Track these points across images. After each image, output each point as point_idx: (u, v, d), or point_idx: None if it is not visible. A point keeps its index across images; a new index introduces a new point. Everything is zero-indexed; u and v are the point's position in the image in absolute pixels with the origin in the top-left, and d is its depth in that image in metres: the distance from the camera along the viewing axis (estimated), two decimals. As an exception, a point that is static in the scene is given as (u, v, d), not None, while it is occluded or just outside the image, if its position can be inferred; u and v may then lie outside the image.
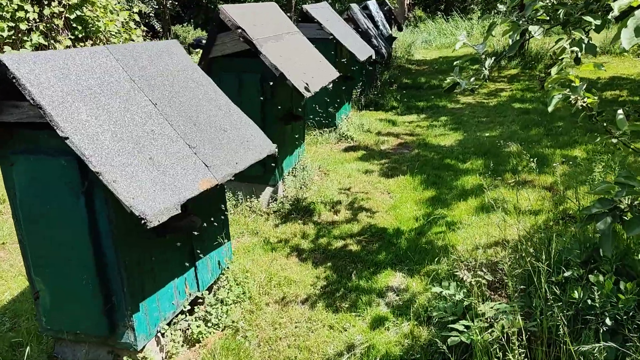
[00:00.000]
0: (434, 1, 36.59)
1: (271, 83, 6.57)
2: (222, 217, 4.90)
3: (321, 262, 5.83)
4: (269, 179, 7.07)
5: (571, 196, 6.77)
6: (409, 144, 10.24)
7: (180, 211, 3.50)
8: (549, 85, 3.67)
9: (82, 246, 3.65)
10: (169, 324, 4.34)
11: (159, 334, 4.18)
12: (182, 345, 4.34)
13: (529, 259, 4.33)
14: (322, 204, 7.19)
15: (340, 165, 8.83)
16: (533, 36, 3.88)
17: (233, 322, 4.62)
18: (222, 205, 4.91)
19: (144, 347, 4.01)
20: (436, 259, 5.64)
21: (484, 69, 4.53)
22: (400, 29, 21.96)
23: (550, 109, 3.58)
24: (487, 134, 10.34)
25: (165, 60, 4.52)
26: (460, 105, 13.37)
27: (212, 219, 4.73)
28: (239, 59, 6.62)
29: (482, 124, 11.37)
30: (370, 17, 15.48)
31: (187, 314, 4.44)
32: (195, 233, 4.24)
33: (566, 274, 4.10)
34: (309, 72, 7.05)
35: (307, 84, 6.58)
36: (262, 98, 6.66)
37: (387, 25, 17.17)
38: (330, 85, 7.66)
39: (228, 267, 5.03)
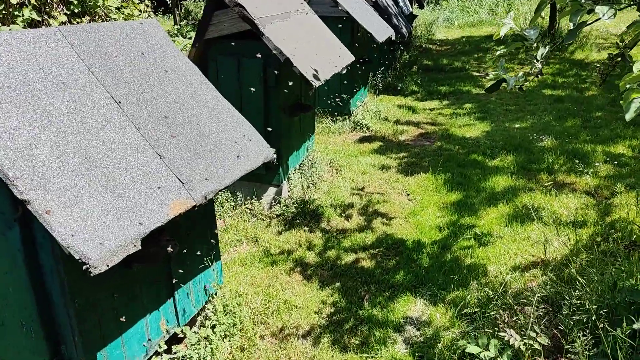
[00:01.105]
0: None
1: (276, 72, 5.68)
2: (210, 236, 4.09)
3: (328, 281, 5.01)
4: (272, 178, 6.23)
5: (621, 203, 5.85)
6: (431, 134, 9.31)
7: (139, 247, 2.68)
8: (626, 85, 2.78)
9: (18, 286, 2.86)
10: (139, 370, 3.58)
11: (125, 385, 3.41)
12: (156, 395, 3.58)
13: (585, 301, 3.46)
14: (331, 207, 6.35)
15: (354, 160, 7.95)
16: (600, 19, 2.99)
17: (219, 364, 3.84)
18: (210, 223, 4.09)
19: (104, 404, 3.25)
20: (464, 283, 4.79)
21: (535, 61, 3.62)
22: (421, 7, 20.76)
23: (628, 116, 2.73)
24: (517, 125, 9.37)
25: (138, 45, 3.66)
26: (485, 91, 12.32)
27: (196, 240, 3.92)
28: (238, 41, 5.74)
29: (510, 112, 10.38)
30: (391, -4, 14.39)
31: (164, 354, 3.66)
32: (173, 253, 3.44)
33: (636, 326, 3.24)
34: (320, 56, 6.14)
35: (316, 71, 5.69)
36: (265, 87, 5.78)
37: (407, 2, 16.05)
38: (344, 71, 6.74)
39: (216, 293, 4.23)
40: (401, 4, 14.87)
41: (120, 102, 3.19)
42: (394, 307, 4.58)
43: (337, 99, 8.95)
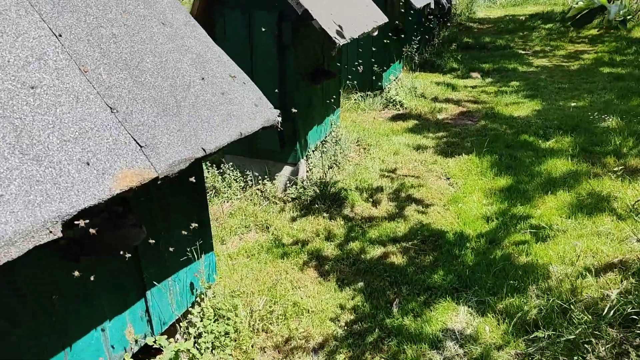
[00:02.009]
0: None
1: (292, 27, 4.75)
2: (198, 221, 3.22)
3: (349, 279, 4.10)
4: (288, 156, 5.33)
5: None
6: (473, 113, 8.24)
7: (59, 235, 1.81)
8: None
9: None
10: (95, 393, 2.75)
11: (71, 415, 2.58)
12: None
13: None
14: (357, 190, 5.41)
15: (384, 139, 6.97)
16: None
17: (202, 385, 2.98)
18: (198, 203, 3.22)
19: None
20: (520, 287, 3.81)
21: None
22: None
23: None
24: (573, 104, 8.20)
25: (100, -31, 2.78)
26: (533, 69, 11.12)
27: (176, 224, 3.06)
28: (249, -10, 4.83)
29: (564, 91, 9.19)
30: (429, -37, 13.21)
31: (130, 373, 2.82)
32: (129, 255, 2.57)
33: None
34: (346, 12, 5.18)
35: (340, 27, 4.73)
36: (279, 46, 4.86)
37: (448, -25, 14.82)
38: (375, 33, 5.76)
39: (206, 293, 3.36)
40: (441, -25, 13.67)
41: (60, 35, 2.31)
42: (430, 315, 3.63)
43: (359, 67, 7.95)
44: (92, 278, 2.37)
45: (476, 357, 3.25)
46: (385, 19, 5.97)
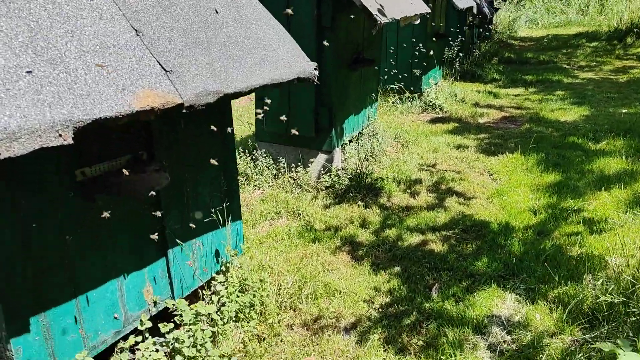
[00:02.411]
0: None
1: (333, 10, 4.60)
2: (226, 179, 3.03)
3: (385, 264, 3.82)
4: (322, 144, 5.13)
5: None
6: (516, 117, 7.90)
7: (70, 141, 1.63)
8: None
9: None
10: (108, 350, 2.54)
11: (81, 372, 2.38)
12: (130, 391, 2.52)
13: None
14: (394, 181, 5.15)
15: (424, 138, 6.71)
16: None
17: (223, 356, 2.73)
18: (226, 157, 3.03)
19: (43, 395, 2.22)
20: (574, 277, 3.46)
21: None
22: (504, -1, 19.17)
23: None
24: (624, 110, 7.78)
25: None
26: (579, 81, 10.70)
27: (202, 181, 2.87)
28: (288, -31, 4.71)
29: (613, 100, 8.76)
30: (471, -24, 13.04)
31: (146, 335, 2.60)
32: (153, 193, 2.38)
33: None
34: (388, -4, 5.01)
35: (382, 7, 4.55)
36: (318, 26, 4.70)
37: (489, -11, 14.61)
38: (417, 21, 5.56)
39: (231, 262, 3.14)
40: (483, -12, 13.48)
41: (88, -43, 2.18)
42: (473, 301, 3.32)
43: (405, 76, 7.73)
44: (106, 214, 2.18)
45: (526, 344, 2.91)
46: (427, 10, 5.77)
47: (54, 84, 1.68)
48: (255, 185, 5.11)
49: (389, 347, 2.93)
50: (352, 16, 4.87)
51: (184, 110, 2.08)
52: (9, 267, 1.98)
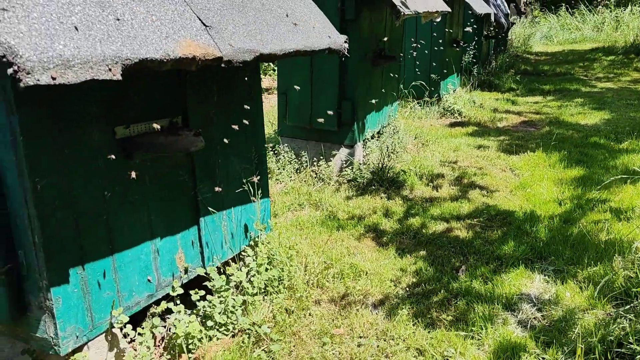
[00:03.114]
0: (554, 0, 32.97)
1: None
2: (255, 150, 3.06)
3: (410, 249, 3.81)
4: (344, 137, 5.16)
5: None
6: (536, 122, 7.88)
7: (118, 77, 1.68)
8: None
9: (-43, 148, 1.95)
10: (138, 316, 2.56)
11: (114, 331, 2.39)
12: (161, 356, 2.53)
13: None
14: (416, 175, 5.15)
15: (443, 139, 6.71)
16: None
17: (253, 324, 2.73)
18: (255, 132, 3.06)
19: (78, 350, 2.23)
20: (602, 258, 3.42)
21: None
22: (519, 13, 19.29)
23: None
24: (645, 114, 7.74)
25: None
26: (598, 90, 10.66)
27: (233, 152, 2.91)
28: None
29: (633, 106, 8.71)
30: (487, -11, 13.16)
31: (177, 301, 2.61)
32: (195, 149, 2.41)
33: None
34: (410, -8, 5.07)
35: (405, -1, 4.62)
36: (341, 19, 4.77)
37: (505, 4, 14.72)
38: (438, 19, 5.63)
39: (260, 237, 3.16)
40: (498, 1, 13.58)
41: None
42: (502, 280, 3.29)
43: (424, 82, 7.78)
44: (134, 174, 2.22)
45: (557, 319, 2.87)
46: (448, 8, 5.83)
47: (104, 24, 1.73)
48: (277, 179, 5.14)
49: (418, 321, 2.90)
50: (381, 10, 4.94)
51: (222, 65, 2.12)
52: (52, 216, 2.01)
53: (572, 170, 5.27)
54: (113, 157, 2.16)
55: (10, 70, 1.42)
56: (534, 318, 2.94)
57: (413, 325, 2.88)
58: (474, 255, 3.65)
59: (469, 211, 4.40)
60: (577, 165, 5.40)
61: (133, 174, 2.22)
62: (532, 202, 4.51)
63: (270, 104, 8.50)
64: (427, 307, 3.03)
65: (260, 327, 2.70)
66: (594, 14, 24.68)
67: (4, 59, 1.42)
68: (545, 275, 3.35)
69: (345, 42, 2.92)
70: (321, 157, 5.23)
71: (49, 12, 1.60)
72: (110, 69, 1.66)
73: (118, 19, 1.79)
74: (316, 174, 5.16)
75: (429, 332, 2.82)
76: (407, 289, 3.29)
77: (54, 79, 1.50)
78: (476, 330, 2.79)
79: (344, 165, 5.21)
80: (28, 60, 1.44)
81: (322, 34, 2.80)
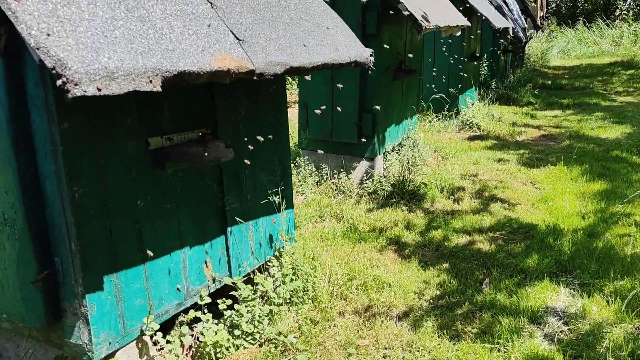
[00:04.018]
0: (571, 15, 32.91)
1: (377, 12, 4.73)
2: (279, 162, 3.11)
3: (433, 261, 3.81)
4: (365, 150, 5.19)
5: None
6: (555, 136, 7.85)
7: (158, 89, 1.73)
8: None
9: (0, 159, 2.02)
10: (167, 324, 2.60)
11: (145, 338, 2.43)
12: (189, 363, 2.56)
13: None
14: (437, 188, 5.16)
15: (463, 152, 6.72)
16: None
17: (280, 333, 2.76)
18: (280, 145, 3.11)
19: (110, 356, 2.27)
20: (629, 272, 3.39)
21: None
22: (536, 28, 19.27)
23: None
24: (667, 129, 7.67)
25: None
26: (618, 104, 10.59)
27: (259, 165, 2.96)
28: (334, -20, 4.89)
29: (655, 120, 8.64)
30: (505, 5, 13.19)
31: (205, 310, 2.65)
32: (225, 160, 2.45)
33: None
34: (430, 8, 5.13)
35: (425, 14, 4.67)
36: (363, 34, 4.83)
37: (522, 18, 14.74)
38: (458, 33, 5.67)
39: (284, 247, 3.19)
40: (516, 16, 13.60)
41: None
42: (527, 293, 3.27)
43: (442, 95, 7.80)
44: (168, 175, 2.27)
45: (585, 333, 2.85)
46: (468, 23, 5.87)
47: (144, 37, 1.79)
48: (298, 192, 5.18)
49: (443, 333, 2.90)
50: (401, 25, 4.99)
51: (254, 77, 2.17)
52: (88, 223, 2.06)
53: (595, 184, 5.23)
54: (145, 164, 2.21)
55: (59, 82, 1.48)
56: (561, 331, 2.92)
57: (438, 337, 2.88)
58: (497, 268, 3.64)
59: (491, 224, 4.39)
60: (600, 179, 5.36)
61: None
62: (554, 216, 4.49)
63: (289, 117, 8.56)
64: (452, 320, 3.03)
65: (286, 337, 2.72)
66: (611, 28, 24.57)
67: (54, 71, 1.48)
68: (570, 289, 3.33)
69: (371, 55, 2.97)
70: (341, 170, 5.27)
71: (94, 27, 1.66)
72: (151, 81, 1.72)
73: (157, 33, 1.85)
74: (336, 186, 5.19)
75: (454, 344, 2.81)
76: (431, 301, 3.29)
77: (99, 90, 1.56)
78: (502, 343, 2.78)
79: (365, 178, 5.23)
80: (76, 72, 1.49)
81: (349, 48, 2.84)
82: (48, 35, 1.53)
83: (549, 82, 13.98)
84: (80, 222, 2.03)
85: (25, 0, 1.55)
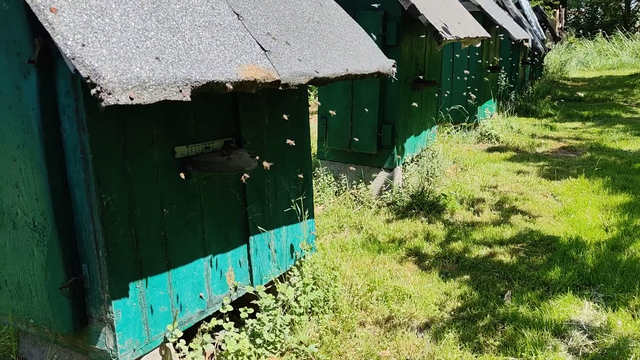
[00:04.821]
0: (590, 27, 32.70)
1: (397, 24, 4.75)
2: (301, 171, 3.12)
3: (454, 273, 3.78)
4: (384, 161, 5.19)
5: None
6: (576, 148, 7.77)
7: (187, 99, 1.76)
8: None
9: (31, 166, 2.06)
10: (189, 332, 2.61)
11: (168, 345, 2.45)
12: (211, 371, 2.57)
13: None
14: (456, 199, 5.13)
15: (482, 164, 6.68)
16: None
17: (301, 343, 2.75)
18: (302, 155, 3.13)
19: (134, 363, 2.29)
20: (655, 286, 3.34)
21: None
22: (555, 39, 19.16)
23: None
24: (691, 141, 7.55)
25: None
26: (639, 116, 10.46)
27: (281, 173, 2.98)
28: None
29: (678, 133, 8.51)
30: (524, 16, 13.15)
31: (226, 319, 2.66)
32: (246, 175, 2.47)
33: None
34: (452, 19, 5.14)
35: (446, 25, 4.68)
36: (383, 45, 4.86)
37: (541, 30, 14.67)
38: (478, 45, 5.67)
39: (305, 257, 3.20)
40: (534, 27, 13.55)
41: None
42: (550, 306, 3.23)
43: (460, 106, 7.78)
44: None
45: (610, 347, 2.80)
46: (488, 35, 5.87)
47: (174, 48, 1.83)
48: (317, 202, 5.19)
49: (465, 345, 2.87)
50: (422, 36, 5.01)
51: (279, 87, 2.20)
52: (115, 231, 2.10)
53: (617, 197, 5.16)
54: (171, 172, 2.24)
55: (93, 91, 1.52)
56: (585, 345, 2.87)
57: (460, 349, 2.85)
58: (519, 281, 3.60)
59: (511, 236, 4.36)
60: (622, 192, 5.29)
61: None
62: (576, 228, 4.44)
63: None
64: (474, 332, 3.00)
65: (307, 346, 2.72)
66: (632, 40, 24.33)
67: (88, 80, 1.52)
68: (594, 303, 3.28)
69: (393, 66, 2.98)
70: (360, 180, 5.27)
71: (126, 37, 1.70)
72: (180, 90, 1.75)
73: (186, 44, 1.88)
74: (355, 196, 5.20)
75: (476, 356, 2.79)
76: (452, 312, 3.26)
77: (131, 99, 1.59)
78: (526, 356, 2.74)
79: (384, 189, 5.23)
80: (110, 81, 1.53)
81: (371, 59, 2.86)
82: (83, 45, 1.57)
83: (568, 94, 13.86)
84: (107, 229, 2.06)
85: (61, 12, 1.59)
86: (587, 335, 2.96)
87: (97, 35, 1.62)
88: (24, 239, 2.20)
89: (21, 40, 1.91)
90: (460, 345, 2.88)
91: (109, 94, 1.53)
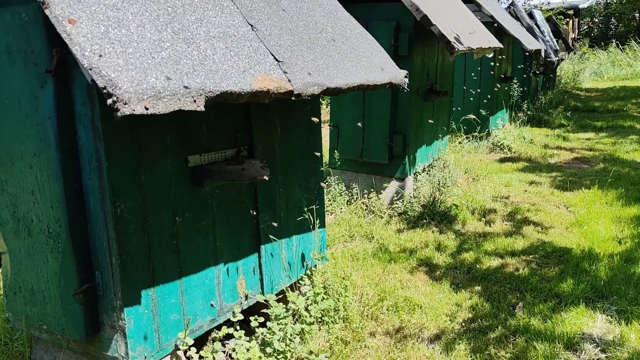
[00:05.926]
0: (603, 37, 32.49)
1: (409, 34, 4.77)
2: (313, 181, 3.13)
3: (465, 284, 3.76)
4: (395, 170, 5.19)
5: None
6: (589, 159, 7.71)
7: (202, 108, 1.79)
8: None
9: (47, 173, 2.09)
10: (200, 340, 2.62)
11: (179, 353, 2.46)
12: (221, 380, 2.57)
13: None
14: (468, 210, 5.11)
15: (493, 174, 6.65)
16: None
17: (311, 353, 2.75)
18: (313, 165, 3.14)
19: (145, 370, 2.30)
20: (670, 299, 3.29)
21: None
22: (567, 49, 19.07)
23: None
24: None
25: None
26: (654, 127, 10.36)
27: (293, 182, 2.99)
28: (365, 2, 4.96)
29: (693, 144, 8.41)
30: (537, 27, 13.11)
31: (237, 327, 2.66)
32: (261, 178, 2.49)
33: None
34: (464, 29, 5.15)
35: (458, 35, 4.69)
36: (395, 56, 4.87)
37: (554, 40, 14.61)
38: (490, 55, 5.66)
39: (316, 266, 3.20)
40: (547, 38, 13.50)
41: (210, -35, 2.43)
42: (562, 319, 3.20)
43: (472, 116, 7.76)
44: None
45: (624, 361, 2.77)
46: (500, 45, 5.86)
47: (189, 58, 1.85)
48: (328, 211, 5.20)
49: (476, 357, 2.86)
50: (433, 47, 5.02)
51: (292, 98, 2.22)
52: (128, 238, 2.12)
53: (631, 209, 5.11)
54: (183, 181, 2.26)
55: (109, 101, 1.54)
56: (598, 359, 2.84)
57: (471, 361, 2.83)
58: (531, 292, 3.57)
59: (523, 247, 4.33)
60: (636, 204, 5.24)
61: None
62: (589, 240, 4.40)
63: (318, 137, 8.62)
64: (485, 343, 2.98)
65: (317, 356, 2.71)
66: (646, 50, 24.13)
67: (105, 91, 1.54)
68: (607, 315, 3.25)
69: (405, 77, 2.99)
70: (372, 190, 5.27)
71: (142, 48, 1.73)
72: (195, 101, 1.77)
73: (201, 54, 1.91)
74: (366, 206, 5.19)
75: (487, 369, 2.77)
76: (463, 324, 3.24)
77: (146, 109, 1.61)
78: (537, 369, 2.72)
79: (395, 198, 5.22)
80: (126, 91, 1.56)
81: (384, 69, 2.88)
82: (100, 56, 1.60)
83: (581, 104, 13.78)
84: (121, 236, 2.09)
85: (79, 23, 1.63)
86: (599, 348, 2.92)
87: (114, 46, 1.65)
88: (39, 246, 2.23)
89: (39, 50, 1.95)
90: (471, 356, 2.87)
91: (125, 104, 1.56)
